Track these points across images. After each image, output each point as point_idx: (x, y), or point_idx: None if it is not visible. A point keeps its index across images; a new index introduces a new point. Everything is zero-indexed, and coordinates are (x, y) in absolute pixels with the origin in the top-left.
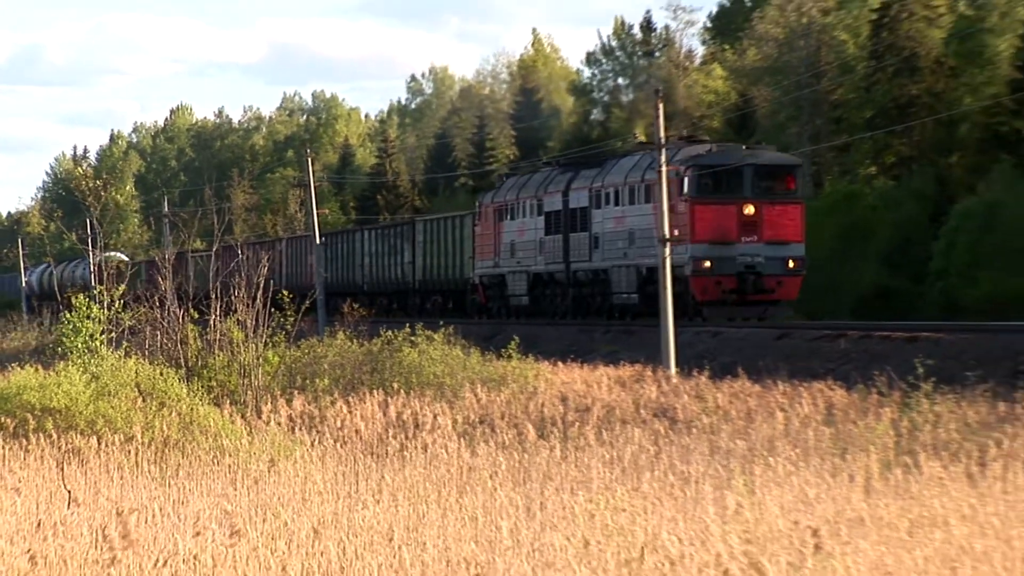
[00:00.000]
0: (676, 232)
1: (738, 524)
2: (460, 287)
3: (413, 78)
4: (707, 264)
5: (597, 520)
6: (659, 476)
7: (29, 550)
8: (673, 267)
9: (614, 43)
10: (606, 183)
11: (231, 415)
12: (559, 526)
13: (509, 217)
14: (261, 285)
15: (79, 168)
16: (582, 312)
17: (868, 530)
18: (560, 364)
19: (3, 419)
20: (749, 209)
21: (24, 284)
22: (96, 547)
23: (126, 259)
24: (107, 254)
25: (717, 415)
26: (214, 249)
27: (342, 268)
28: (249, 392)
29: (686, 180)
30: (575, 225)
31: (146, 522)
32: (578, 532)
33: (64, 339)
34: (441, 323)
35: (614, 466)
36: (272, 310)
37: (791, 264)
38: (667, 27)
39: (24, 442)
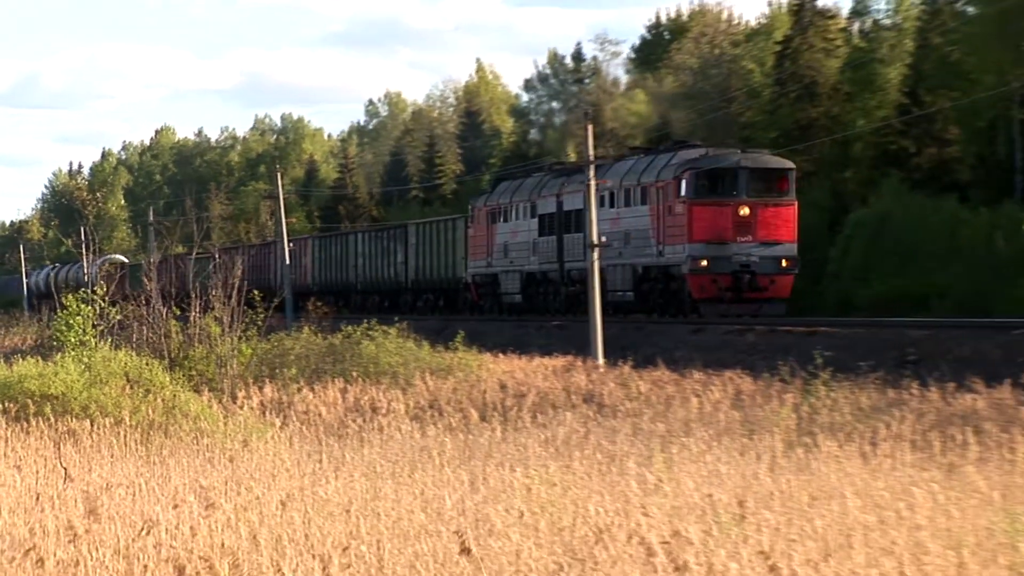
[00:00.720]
0: (673, 232)
1: (658, 497)
2: (452, 286)
3: (371, 102)
4: (704, 263)
5: (533, 493)
6: (588, 454)
7: (28, 523)
8: (670, 266)
9: (548, 71)
10: (601, 186)
11: (209, 401)
12: (500, 498)
13: (502, 219)
14: (235, 285)
15: (74, 181)
16: (575, 309)
17: (773, 502)
18: (501, 355)
19: (6, 404)
20: (744, 210)
21: (30, 284)
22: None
23: (126, 261)
24: (108, 257)
25: (639, 400)
26: (194, 253)
27: (336, 268)
28: (225, 380)
29: (684, 182)
30: (569, 226)
31: (132, 496)
32: (516, 504)
33: (59, 334)
34: (396, 319)
35: (548, 445)
36: (245, 308)
37: (784, 263)
38: (595, 57)
39: (25, 425)
